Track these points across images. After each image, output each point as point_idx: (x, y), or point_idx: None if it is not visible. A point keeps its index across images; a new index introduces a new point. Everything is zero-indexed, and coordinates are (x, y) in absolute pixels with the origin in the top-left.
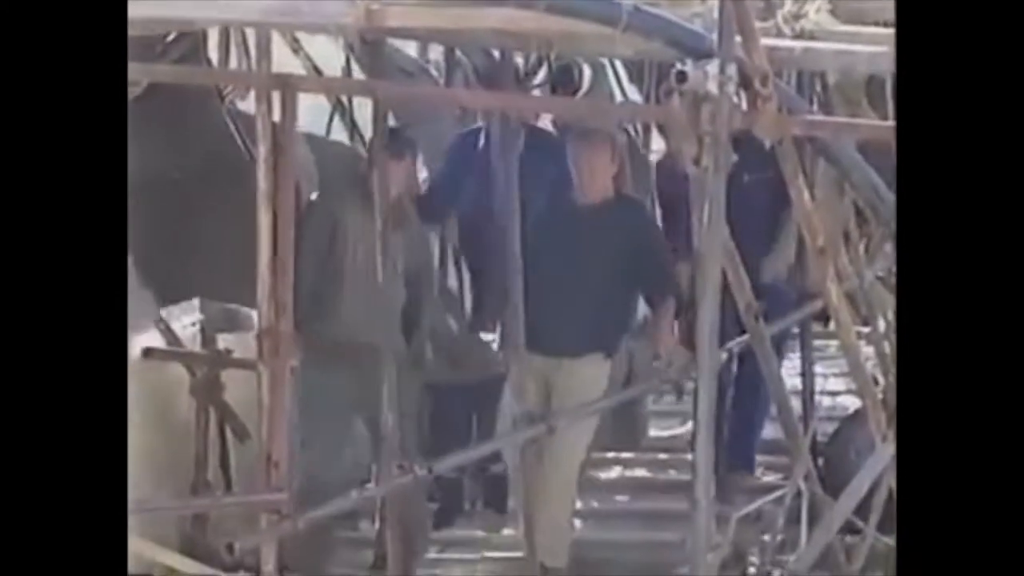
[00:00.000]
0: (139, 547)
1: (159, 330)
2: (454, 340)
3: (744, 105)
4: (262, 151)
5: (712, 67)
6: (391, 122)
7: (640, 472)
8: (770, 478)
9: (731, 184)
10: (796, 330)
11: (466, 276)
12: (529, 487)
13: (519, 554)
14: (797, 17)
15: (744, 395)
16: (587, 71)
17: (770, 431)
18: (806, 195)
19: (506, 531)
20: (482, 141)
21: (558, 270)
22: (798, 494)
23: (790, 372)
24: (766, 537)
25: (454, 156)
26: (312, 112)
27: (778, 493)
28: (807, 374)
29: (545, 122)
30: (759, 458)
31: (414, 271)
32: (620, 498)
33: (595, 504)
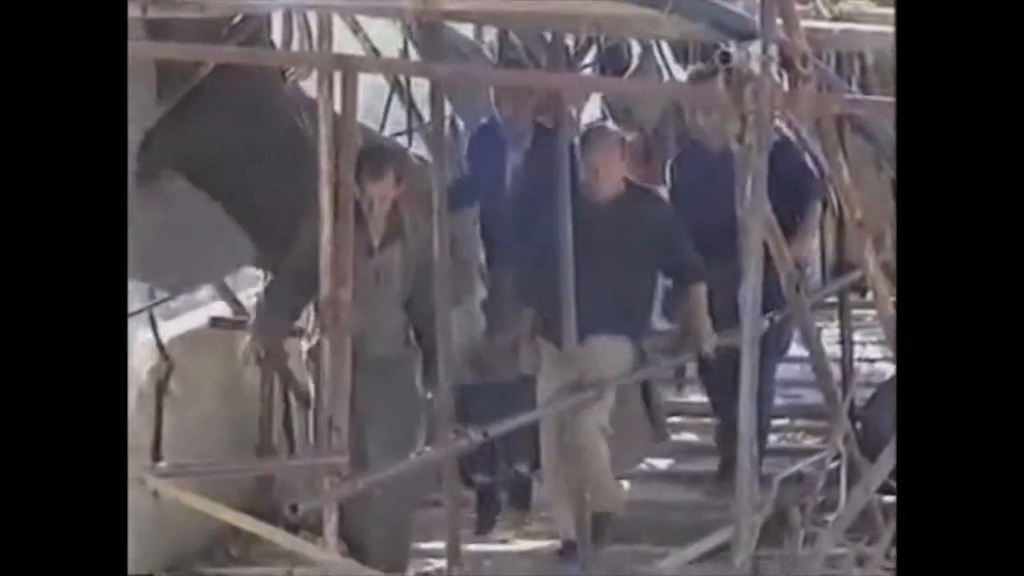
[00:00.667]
0: (206, 507)
1: (225, 301)
2: (476, 343)
3: (785, 85)
4: (323, 130)
5: (755, 48)
6: (366, 141)
7: (686, 436)
8: (810, 442)
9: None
10: (835, 299)
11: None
12: (565, 454)
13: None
14: (836, 0)
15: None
16: (636, 50)
17: (811, 397)
18: (845, 171)
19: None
20: (496, 137)
21: (578, 266)
22: (837, 456)
23: (829, 340)
24: (807, 498)
25: (473, 152)
26: (371, 92)
27: (818, 456)
28: (846, 342)
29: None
30: (800, 423)
31: (422, 279)
32: (666, 461)
33: (641, 466)
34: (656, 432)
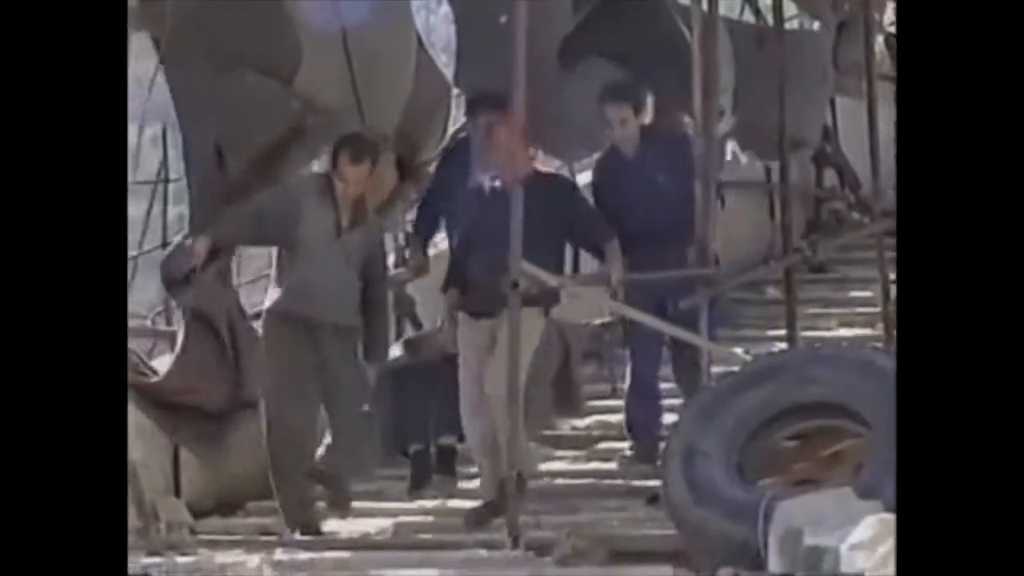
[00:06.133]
0: None
1: None
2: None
3: None
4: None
5: None
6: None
7: None
8: None
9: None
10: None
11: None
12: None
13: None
14: None
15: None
16: None
17: None
18: None
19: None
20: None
21: (494, 245)
22: None
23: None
24: None
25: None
26: None
27: None
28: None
29: None
30: None
31: (370, 265)
32: None
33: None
34: (572, 404)
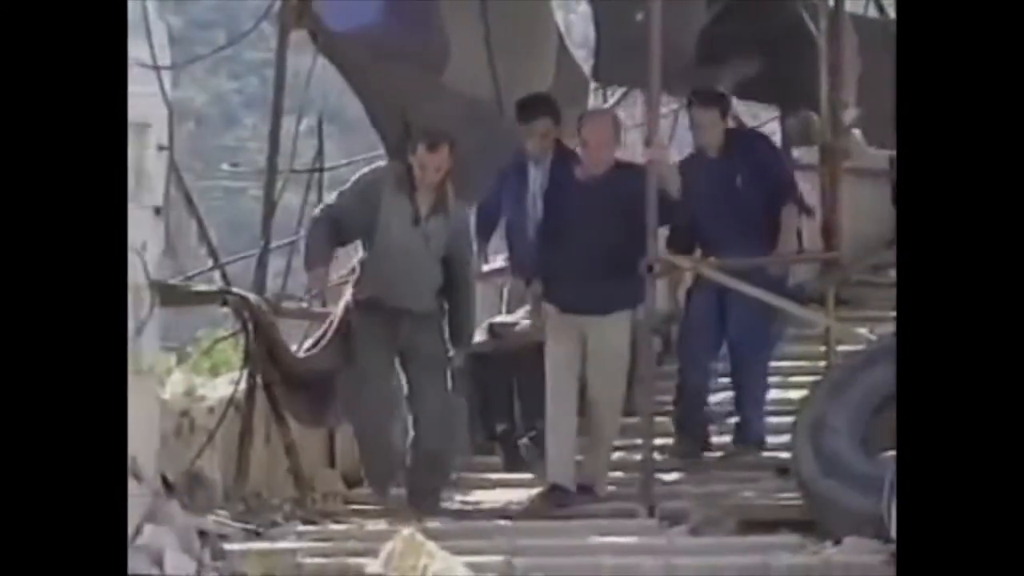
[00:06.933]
0: None
1: None
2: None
3: None
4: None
5: None
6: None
7: None
8: None
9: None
10: None
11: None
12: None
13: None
14: None
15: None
16: None
17: None
18: None
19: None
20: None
21: (576, 239)
22: None
23: None
24: None
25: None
26: None
27: None
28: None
29: None
30: None
31: (454, 251)
32: None
33: None
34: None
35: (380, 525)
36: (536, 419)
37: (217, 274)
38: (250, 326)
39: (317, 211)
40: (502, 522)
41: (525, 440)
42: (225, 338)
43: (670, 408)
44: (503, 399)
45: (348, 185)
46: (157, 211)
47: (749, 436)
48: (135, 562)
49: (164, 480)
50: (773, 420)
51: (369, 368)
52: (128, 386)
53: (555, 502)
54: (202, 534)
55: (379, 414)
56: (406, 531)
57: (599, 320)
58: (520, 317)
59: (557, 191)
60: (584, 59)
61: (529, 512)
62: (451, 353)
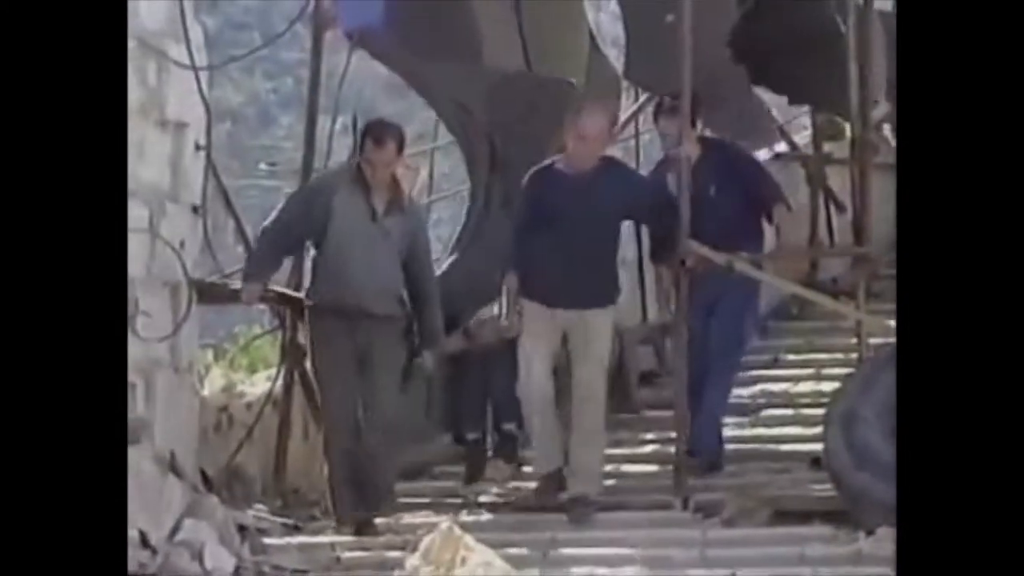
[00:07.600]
0: None
1: None
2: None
3: None
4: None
5: None
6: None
7: None
8: None
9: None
10: None
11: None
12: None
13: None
14: None
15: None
16: None
17: None
18: None
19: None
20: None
21: (560, 233)
22: None
23: None
24: None
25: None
26: None
27: None
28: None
29: None
30: None
31: (414, 250)
32: None
33: None
34: (628, 400)
35: (418, 518)
36: (508, 419)
37: None
38: (287, 323)
39: (267, 222)
40: (538, 516)
41: (494, 438)
42: (263, 335)
43: None
44: (475, 403)
45: (296, 190)
46: (195, 210)
47: (698, 449)
48: (175, 557)
49: (203, 475)
50: (805, 412)
51: (328, 376)
52: (166, 383)
53: (553, 488)
54: (241, 529)
55: (341, 421)
56: (444, 524)
57: (580, 314)
58: (492, 314)
59: (540, 183)
60: (616, 58)
61: (534, 501)
62: (421, 358)
